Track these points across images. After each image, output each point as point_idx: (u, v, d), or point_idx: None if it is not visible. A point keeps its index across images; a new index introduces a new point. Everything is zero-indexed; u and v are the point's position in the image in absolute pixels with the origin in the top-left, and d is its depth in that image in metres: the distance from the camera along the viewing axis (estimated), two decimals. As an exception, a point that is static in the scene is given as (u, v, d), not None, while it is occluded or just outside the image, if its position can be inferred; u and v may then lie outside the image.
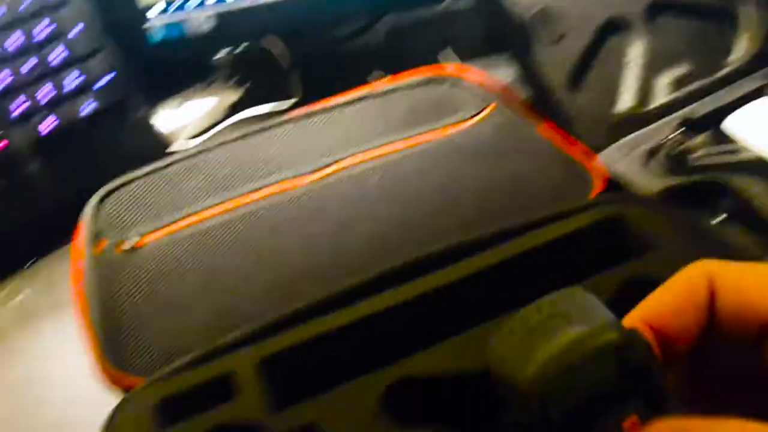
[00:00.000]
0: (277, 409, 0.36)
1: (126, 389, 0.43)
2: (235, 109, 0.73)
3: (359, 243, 0.50)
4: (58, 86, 0.61)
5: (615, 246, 0.40)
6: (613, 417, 0.22)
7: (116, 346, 0.47)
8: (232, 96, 0.75)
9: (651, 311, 0.25)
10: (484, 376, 0.35)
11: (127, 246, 0.53)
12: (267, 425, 0.35)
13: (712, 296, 0.24)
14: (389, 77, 0.62)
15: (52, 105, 0.60)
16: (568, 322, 0.23)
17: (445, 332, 0.37)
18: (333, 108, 0.59)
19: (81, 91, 0.61)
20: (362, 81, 0.64)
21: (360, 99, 0.60)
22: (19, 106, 0.60)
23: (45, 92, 0.60)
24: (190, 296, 0.49)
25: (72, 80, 0.61)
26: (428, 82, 0.60)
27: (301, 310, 0.41)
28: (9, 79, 0.60)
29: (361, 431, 0.34)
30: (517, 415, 0.24)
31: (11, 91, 0.60)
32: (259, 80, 0.75)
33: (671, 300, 0.25)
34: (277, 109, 0.72)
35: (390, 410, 0.35)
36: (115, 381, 0.44)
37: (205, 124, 0.71)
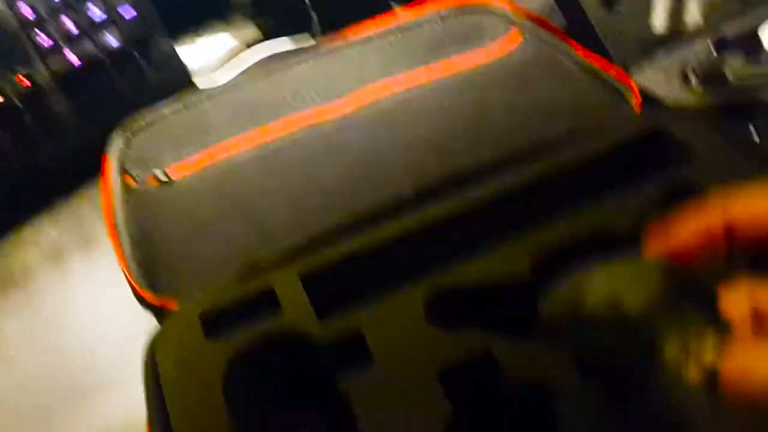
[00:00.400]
0: (322, 320, 0.36)
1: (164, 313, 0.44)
2: (254, 44, 0.72)
3: (390, 169, 0.50)
4: (83, 21, 0.60)
5: (659, 159, 0.40)
6: None
7: (153, 271, 0.47)
8: (252, 31, 0.74)
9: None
10: (524, 287, 0.36)
11: (159, 178, 0.53)
12: (313, 335, 0.35)
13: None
14: (415, 7, 0.61)
15: (77, 40, 0.60)
16: None
17: (488, 244, 0.37)
18: (358, 41, 0.58)
19: (105, 25, 0.60)
20: (382, 12, 0.63)
21: (386, 31, 0.59)
22: (44, 41, 0.59)
23: (69, 27, 0.60)
24: (225, 223, 0.49)
25: (96, 15, 0.60)
26: (456, 11, 0.59)
27: (340, 226, 0.41)
28: (33, 15, 0.59)
29: (407, 337, 0.34)
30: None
31: (36, 27, 0.59)
32: (279, 14, 0.74)
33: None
34: (297, 45, 0.71)
35: (434, 318, 0.35)
36: (153, 305, 0.44)
37: (226, 60, 0.71)
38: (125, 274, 0.46)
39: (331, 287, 0.38)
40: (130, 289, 0.47)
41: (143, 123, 0.55)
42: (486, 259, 0.37)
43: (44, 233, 0.63)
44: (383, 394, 0.32)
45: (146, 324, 0.48)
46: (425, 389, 0.32)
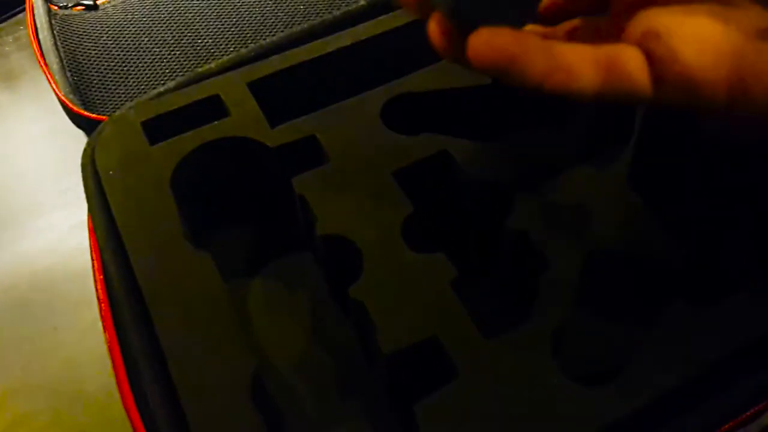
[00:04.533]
0: (273, 126, 0.34)
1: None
2: None
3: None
4: None
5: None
6: None
7: (85, 93, 0.44)
8: None
9: None
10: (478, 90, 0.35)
11: (83, 2, 0.49)
12: (262, 141, 0.34)
13: None
14: None
15: None
16: None
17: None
18: None
19: None
20: None
21: None
22: None
23: None
24: (156, 45, 0.46)
25: None
26: None
27: (283, 38, 0.39)
28: None
29: (362, 139, 0.33)
30: None
31: None
32: None
33: None
34: None
35: (390, 123, 0.34)
36: (89, 120, 0.42)
37: None
38: (57, 95, 0.44)
39: (280, 96, 0.36)
40: (54, 118, 0.44)
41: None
42: (441, 64, 0.36)
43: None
44: (339, 191, 0.31)
45: (67, 154, 0.46)
46: (382, 186, 0.31)
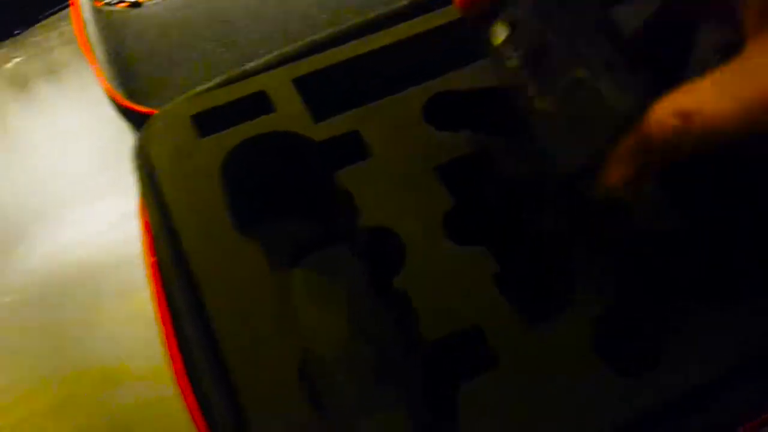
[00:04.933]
0: (317, 122, 0.35)
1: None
2: None
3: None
4: None
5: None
6: None
7: (132, 87, 0.46)
8: None
9: None
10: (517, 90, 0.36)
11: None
12: (307, 135, 0.35)
13: None
14: None
15: None
16: None
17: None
18: None
19: None
20: None
21: None
22: None
23: None
24: (201, 42, 0.47)
25: None
26: None
27: (327, 37, 0.40)
28: None
29: (405, 136, 0.34)
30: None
31: None
32: None
33: None
34: None
35: (432, 120, 0.35)
36: (137, 113, 0.43)
37: None
38: (104, 87, 0.45)
39: (325, 92, 0.37)
40: (97, 111, 0.45)
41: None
42: (482, 63, 0.37)
43: (7, 61, 0.61)
44: (382, 185, 0.32)
45: (111, 146, 0.47)
46: (424, 180, 0.32)
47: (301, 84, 0.37)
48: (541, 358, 0.26)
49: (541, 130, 0.27)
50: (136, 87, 0.46)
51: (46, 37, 0.61)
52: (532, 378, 0.26)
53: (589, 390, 0.26)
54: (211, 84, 0.38)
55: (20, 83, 0.60)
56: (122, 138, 0.45)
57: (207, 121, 0.36)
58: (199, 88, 0.38)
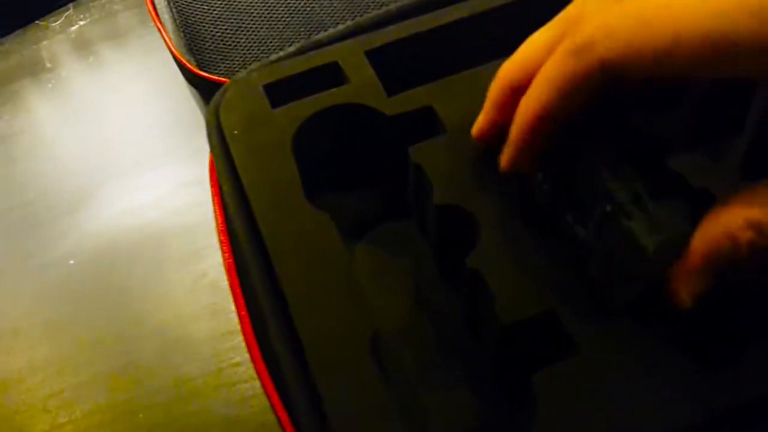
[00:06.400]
0: (390, 95, 0.35)
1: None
2: None
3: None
4: None
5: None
6: None
7: (199, 50, 0.46)
8: None
9: None
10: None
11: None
12: (380, 108, 0.34)
13: None
14: None
15: None
16: None
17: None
18: None
19: None
20: None
21: None
22: None
23: None
24: (272, 7, 0.47)
25: None
26: None
27: (400, 8, 0.40)
28: None
29: (477, 111, 0.33)
30: None
31: None
32: None
33: None
34: None
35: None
36: (207, 80, 0.43)
37: None
38: (173, 53, 0.45)
39: (397, 65, 0.36)
40: (161, 76, 0.45)
41: None
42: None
43: (72, 23, 0.61)
44: (454, 162, 0.32)
45: (175, 112, 0.47)
46: (497, 158, 0.31)
47: (374, 56, 0.36)
48: (622, 348, 0.26)
49: (585, 255, 0.27)
50: (203, 55, 0.45)
51: (111, 0, 0.61)
52: (612, 367, 0.25)
53: (669, 381, 0.25)
54: (282, 54, 0.38)
55: (85, 46, 0.61)
56: (187, 104, 0.45)
57: (279, 91, 0.36)
58: (270, 57, 0.38)
